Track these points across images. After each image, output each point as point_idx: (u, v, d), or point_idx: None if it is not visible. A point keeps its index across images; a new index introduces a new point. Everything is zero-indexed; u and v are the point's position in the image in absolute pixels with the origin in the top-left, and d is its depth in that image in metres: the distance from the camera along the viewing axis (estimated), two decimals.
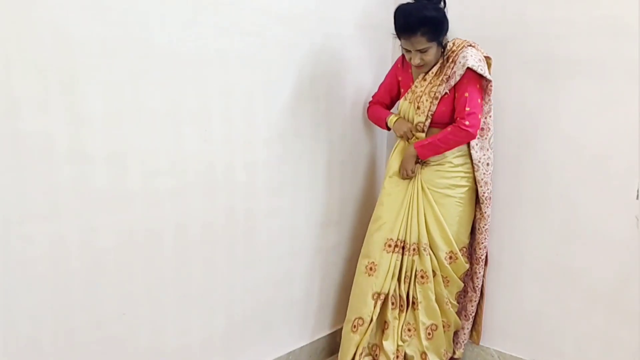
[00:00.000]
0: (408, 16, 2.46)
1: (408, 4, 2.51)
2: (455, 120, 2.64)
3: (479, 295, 2.97)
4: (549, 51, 2.68)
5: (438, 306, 2.84)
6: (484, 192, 2.78)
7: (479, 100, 2.63)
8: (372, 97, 2.96)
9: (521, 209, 2.86)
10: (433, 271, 2.80)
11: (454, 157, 2.74)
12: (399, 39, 2.55)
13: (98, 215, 1.97)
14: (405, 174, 2.76)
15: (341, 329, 3.15)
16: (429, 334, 2.85)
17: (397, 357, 2.81)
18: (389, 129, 2.90)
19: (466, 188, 2.78)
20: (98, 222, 1.98)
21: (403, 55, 2.75)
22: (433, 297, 2.82)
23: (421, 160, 2.75)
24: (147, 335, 2.22)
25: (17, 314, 1.82)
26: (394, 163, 2.82)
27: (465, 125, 2.58)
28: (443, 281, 2.83)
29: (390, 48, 3.03)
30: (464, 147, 2.73)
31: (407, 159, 2.75)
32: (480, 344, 3.07)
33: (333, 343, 3.17)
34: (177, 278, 2.29)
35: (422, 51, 2.54)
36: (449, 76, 2.62)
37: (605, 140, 2.56)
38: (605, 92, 2.54)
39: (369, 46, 2.96)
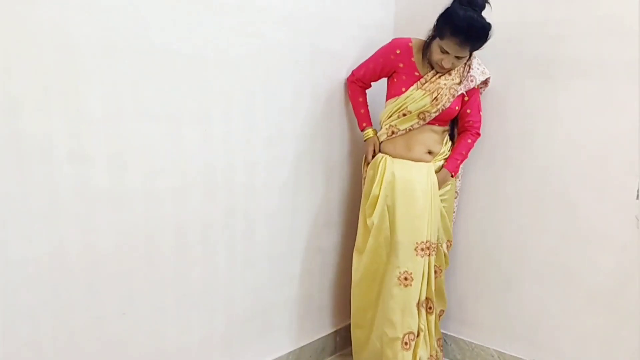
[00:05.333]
0: (471, 22, 2.42)
1: (466, 8, 2.45)
2: (469, 124, 2.83)
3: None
4: (549, 51, 2.69)
5: None
6: (458, 186, 2.97)
7: None
8: (355, 71, 2.89)
9: (521, 209, 2.86)
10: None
11: (448, 149, 2.87)
12: (443, 39, 2.51)
13: (98, 215, 1.98)
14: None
15: (341, 328, 3.17)
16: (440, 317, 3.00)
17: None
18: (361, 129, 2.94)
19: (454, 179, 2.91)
20: (98, 222, 1.98)
21: (401, 43, 2.74)
22: (444, 287, 2.95)
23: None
24: (147, 335, 2.23)
25: (17, 314, 1.82)
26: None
27: (480, 133, 2.86)
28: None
29: None
30: (448, 137, 2.90)
31: (442, 181, 2.80)
32: (480, 343, 3.08)
33: (333, 343, 3.17)
34: (177, 278, 2.30)
35: (461, 58, 2.56)
36: (466, 78, 2.68)
37: (605, 140, 2.56)
38: (605, 93, 2.54)
39: (369, 46, 2.95)
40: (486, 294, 3.04)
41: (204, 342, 2.46)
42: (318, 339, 3.07)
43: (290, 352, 2.91)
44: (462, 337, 3.15)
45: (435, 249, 2.79)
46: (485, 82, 2.78)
